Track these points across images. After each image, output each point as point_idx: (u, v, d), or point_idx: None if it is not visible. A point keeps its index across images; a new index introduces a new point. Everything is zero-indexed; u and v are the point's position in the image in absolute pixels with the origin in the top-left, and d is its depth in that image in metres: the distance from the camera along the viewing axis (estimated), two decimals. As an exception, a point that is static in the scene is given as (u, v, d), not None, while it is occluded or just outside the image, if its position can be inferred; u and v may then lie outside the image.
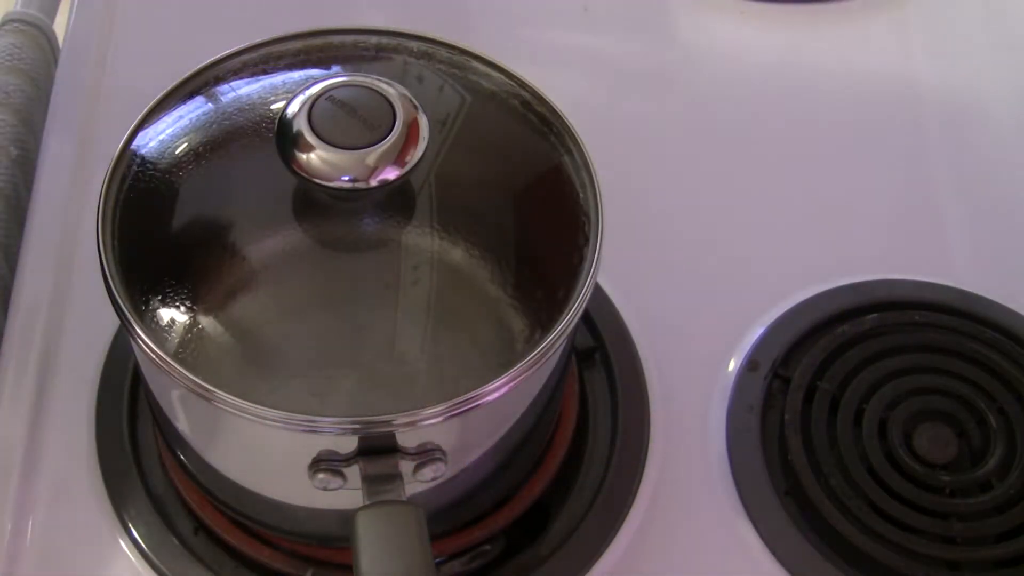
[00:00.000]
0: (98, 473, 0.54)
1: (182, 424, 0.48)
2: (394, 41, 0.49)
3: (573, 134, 0.47)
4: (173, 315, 0.42)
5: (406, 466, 0.43)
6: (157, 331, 0.41)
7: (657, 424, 0.57)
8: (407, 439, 0.42)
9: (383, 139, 0.41)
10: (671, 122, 0.69)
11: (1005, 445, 0.56)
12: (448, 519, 0.51)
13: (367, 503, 0.40)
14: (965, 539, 0.54)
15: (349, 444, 0.42)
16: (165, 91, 0.47)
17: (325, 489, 0.43)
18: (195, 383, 0.40)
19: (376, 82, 0.43)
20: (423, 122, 0.43)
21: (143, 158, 0.45)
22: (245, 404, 0.40)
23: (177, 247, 0.43)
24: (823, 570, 0.54)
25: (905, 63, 0.73)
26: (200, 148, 0.46)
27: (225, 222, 0.44)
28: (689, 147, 0.68)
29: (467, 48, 0.49)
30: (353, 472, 0.42)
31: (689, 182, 0.67)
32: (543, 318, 0.43)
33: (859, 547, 0.54)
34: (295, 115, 0.42)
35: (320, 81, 0.43)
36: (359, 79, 0.43)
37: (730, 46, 0.73)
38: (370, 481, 0.41)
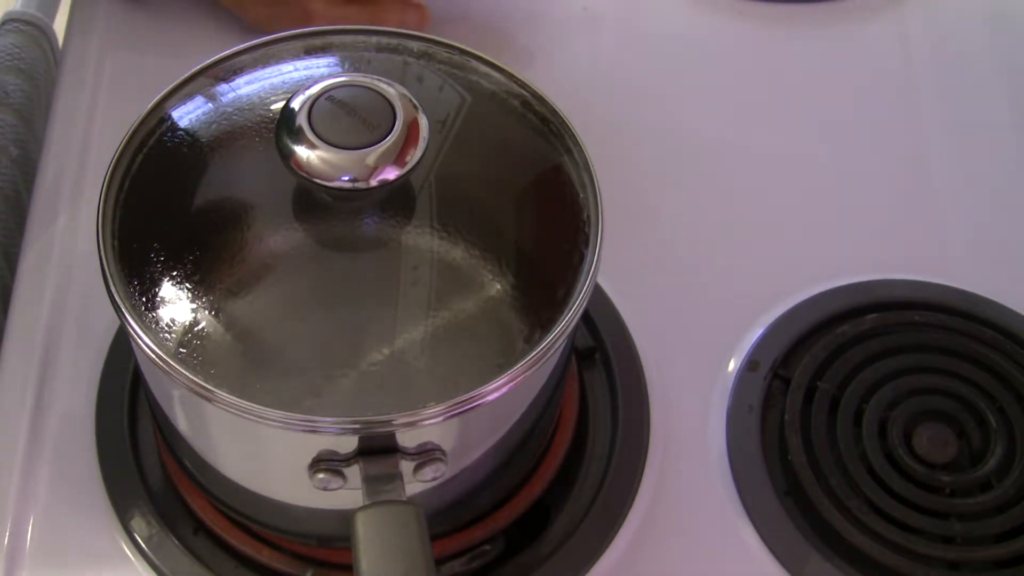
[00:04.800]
0: (98, 473, 0.54)
1: (182, 424, 0.48)
2: (394, 41, 0.49)
3: (573, 134, 0.47)
4: (173, 315, 0.42)
5: (406, 466, 0.43)
6: (157, 331, 0.41)
7: (657, 424, 0.57)
8: (407, 439, 0.42)
9: (383, 139, 0.41)
10: (671, 122, 0.69)
11: (1005, 445, 0.56)
12: (448, 519, 0.51)
13: (367, 503, 0.40)
14: (965, 539, 0.54)
15: (349, 444, 0.42)
16: (165, 91, 0.47)
17: (325, 489, 0.43)
18: (195, 383, 0.40)
19: (376, 82, 0.43)
20: (423, 122, 0.43)
21: (143, 158, 0.45)
22: (245, 404, 0.40)
23: (177, 247, 0.43)
24: (823, 570, 0.54)
25: (905, 63, 0.73)
26: (200, 148, 0.46)
27: (225, 222, 0.44)
28: (689, 147, 0.68)
29: (467, 48, 0.49)
30: (353, 472, 0.42)
31: (689, 182, 0.67)
32: (543, 318, 0.43)
33: (859, 547, 0.54)
34: (295, 115, 0.42)
35: (320, 81, 0.43)
36: (359, 79, 0.43)
37: (730, 46, 0.73)
38: (370, 481, 0.41)
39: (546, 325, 0.42)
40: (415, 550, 0.39)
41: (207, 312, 0.42)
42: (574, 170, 0.46)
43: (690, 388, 0.59)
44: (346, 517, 0.40)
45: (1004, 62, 0.73)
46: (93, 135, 0.65)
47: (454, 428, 0.43)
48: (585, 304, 0.43)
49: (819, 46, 0.73)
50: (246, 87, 0.47)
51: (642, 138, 0.68)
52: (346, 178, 0.41)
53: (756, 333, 0.60)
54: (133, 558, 0.52)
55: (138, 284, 0.42)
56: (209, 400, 0.40)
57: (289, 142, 0.41)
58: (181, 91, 0.47)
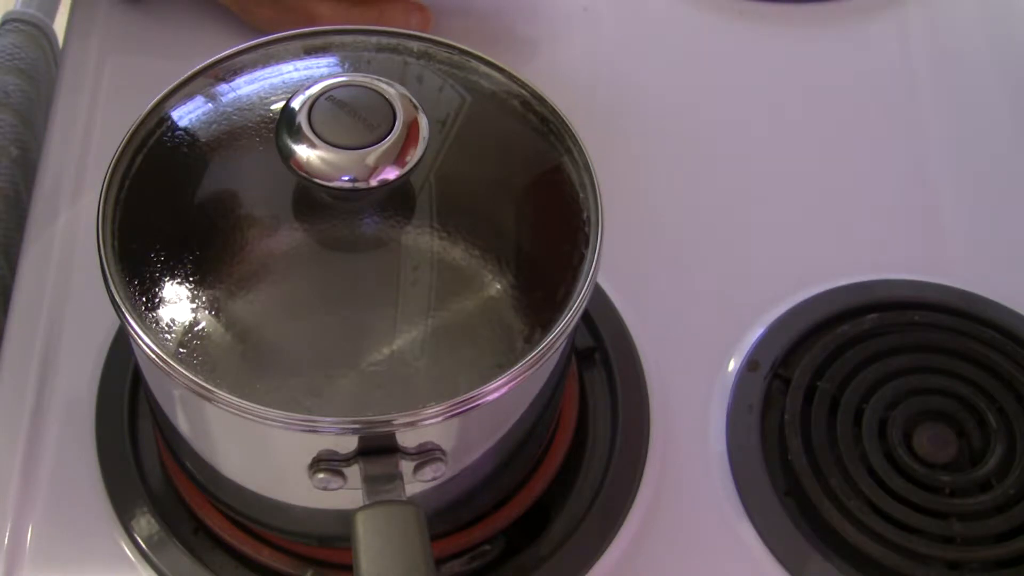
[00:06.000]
0: (98, 473, 0.54)
1: (182, 424, 0.48)
2: (394, 41, 0.49)
3: (573, 134, 0.47)
4: (173, 315, 0.42)
5: (406, 466, 0.43)
6: (157, 331, 0.41)
7: (657, 424, 0.57)
8: (407, 439, 0.42)
9: (383, 139, 0.41)
10: (671, 122, 0.69)
11: (1005, 445, 0.56)
12: (448, 519, 0.51)
13: (367, 503, 0.40)
14: (965, 539, 0.54)
15: (349, 444, 0.42)
16: (165, 91, 0.47)
17: (325, 489, 0.43)
18: (195, 383, 0.40)
19: (376, 82, 0.43)
20: (423, 122, 0.43)
21: (143, 158, 0.45)
22: (245, 404, 0.40)
23: (177, 247, 0.43)
24: (823, 570, 0.54)
25: (905, 63, 0.73)
26: (200, 148, 0.46)
27: (225, 222, 0.44)
28: (689, 147, 0.68)
29: (467, 48, 0.49)
30: (353, 472, 0.42)
31: (689, 182, 0.67)
32: (543, 318, 0.43)
33: (859, 547, 0.54)
34: (295, 115, 0.42)
35: (320, 81, 0.43)
36: (359, 79, 0.43)
37: (730, 46, 0.73)
38: (370, 481, 0.41)
39: (546, 325, 0.42)
40: (415, 550, 0.39)
41: (207, 312, 0.42)
42: (574, 170, 0.46)
43: (690, 388, 0.59)
44: (346, 517, 0.40)
45: (1004, 62, 0.73)
46: (93, 135, 0.65)
47: (454, 428, 0.43)
48: (585, 304, 0.43)
49: (819, 46, 0.73)
50: (246, 87, 0.47)
51: (642, 138, 0.68)
52: (346, 178, 0.41)
53: (756, 333, 0.60)
54: (133, 558, 0.52)
55: (138, 284, 0.42)
56: (209, 400, 0.40)
57: (289, 142, 0.41)
58: (181, 91, 0.47)
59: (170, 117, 0.46)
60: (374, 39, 0.49)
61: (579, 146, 0.47)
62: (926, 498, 0.55)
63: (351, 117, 0.42)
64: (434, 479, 0.44)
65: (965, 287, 0.63)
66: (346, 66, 0.48)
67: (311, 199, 0.43)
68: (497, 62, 0.49)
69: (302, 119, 0.42)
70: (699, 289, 0.62)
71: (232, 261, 0.43)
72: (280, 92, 0.47)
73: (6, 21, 0.72)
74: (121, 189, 0.44)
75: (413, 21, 0.66)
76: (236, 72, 0.47)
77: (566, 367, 0.52)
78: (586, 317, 0.59)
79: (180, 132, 0.46)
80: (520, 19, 0.72)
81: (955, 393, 0.58)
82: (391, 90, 0.43)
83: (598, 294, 0.60)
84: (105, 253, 0.43)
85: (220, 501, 0.52)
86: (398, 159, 0.41)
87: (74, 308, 0.59)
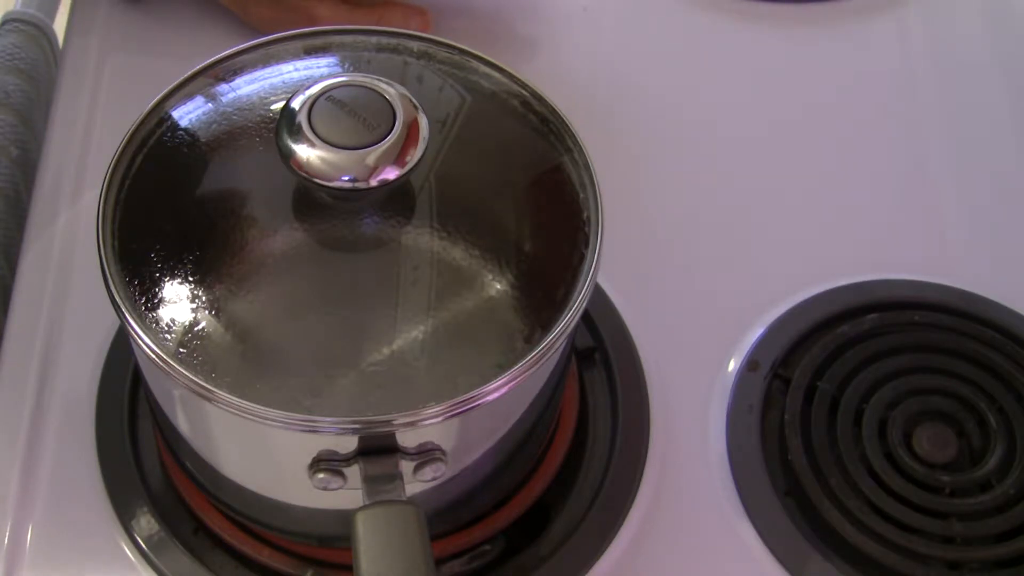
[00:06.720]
0: (98, 473, 0.54)
1: (182, 424, 0.48)
2: (394, 41, 0.49)
3: (573, 134, 0.47)
4: (173, 315, 0.42)
5: (406, 466, 0.43)
6: (157, 331, 0.41)
7: (657, 424, 0.57)
8: (407, 439, 0.42)
9: (383, 139, 0.41)
10: (671, 122, 0.69)
11: (1005, 445, 0.57)
12: (448, 519, 0.51)
13: (367, 503, 0.40)
14: (965, 539, 0.54)
15: (349, 444, 0.42)
16: (165, 91, 0.47)
17: (325, 489, 0.43)
18: (195, 383, 0.40)
19: (376, 82, 0.43)
20: (423, 122, 0.43)
21: (143, 158, 0.45)
22: (245, 404, 0.40)
23: (177, 247, 0.43)
24: (823, 570, 0.54)
25: (905, 63, 0.73)
26: (200, 148, 0.46)
27: (225, 222, 0.44)
28: (689, 147, 0.68)
29: (467, 48, 0.49)
30: (353, 472, 0.42)
31: (689, 182, 0.67)
32: (543, 318, 0.43)
33: (859, 547, 0.54)
34: (295, 115, 0.42)
35: (320, 81, 0.43)
36: (359, 79, 0.43)
37: (729, 46, 0.73)
38: (370, 481, 0.41)
39: (546, 325, 0.42)
40: (415, 550, 0.39)
41: (207, 312, 0.42)
42: (574, 170, 0.46)
43: (690, 388, 0.59)
44: (346, 517, 0.40)
45: (1004, 62, 0.73)
46: (93, 135, 0.65)
47: (454, 428, 0.43)
48: (585, 304, 0.43)
49: (819, 46, 0.73)
50: (246, 87, 0.47)
51: (642, 138, 0.68)
52: (346, 178, 0.41)
53: (756, 333, 0.60)
54: (133, 558, 0.52)
55: (138, 284, 0.42)
56: (209, 400, 0.40)
57: (289, 142, 0.41)
58: (181, 91, 0.47)
59: (170, 117, 0.46)
60: (374, 39, 0.49)
61: (579, 146, 0.47)
62: (926, 498, 0.55)
63: (351, 117, 0.42)
64: (434, 479, 0.44)
65: (965, 287, 0.63)
66: (346, 66, 0.48)
67: (311, 199, 0.43)
68: (497, 62, 0.49)
69: (302, 119, 0.42)
70: (699, 289, 0.62)
71: (232, 261, 0.43)
72: (280, 92, 0.47)
73: (6, 21, 0.72)
74: (121, 189, 0.44)
75: (412, 25, 0.66)
76: (236, 72, 0.47)
77: (566, 367, 0.52)
78: (586, 317, 0.59)
79: (180, 132, 0.46)
80: (520, 19, 0.72)
81: (955, 393, 0.58)
82: (391, 90, 0.43)
83: (598, 294, 0.60)
84: (105, 253, 0.43)
85: (220, 501, 0.52)
86: (398, 159, 0.41)
87: (74, 308, 0.59)
